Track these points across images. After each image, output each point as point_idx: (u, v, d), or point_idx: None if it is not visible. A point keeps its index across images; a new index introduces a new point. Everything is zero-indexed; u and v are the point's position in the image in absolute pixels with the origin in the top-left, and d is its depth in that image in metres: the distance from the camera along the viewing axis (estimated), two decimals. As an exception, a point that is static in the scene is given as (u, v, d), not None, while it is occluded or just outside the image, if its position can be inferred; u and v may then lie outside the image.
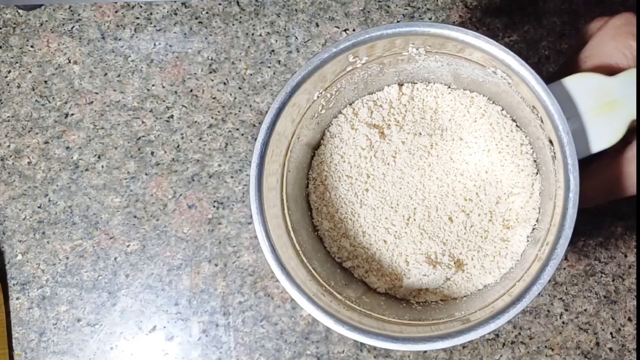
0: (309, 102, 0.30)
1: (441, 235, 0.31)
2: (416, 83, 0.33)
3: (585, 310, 0.38)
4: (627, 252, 0.38)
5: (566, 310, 0.38)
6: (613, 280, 0.38)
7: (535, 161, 0.31)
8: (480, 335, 0.26)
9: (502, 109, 0.32)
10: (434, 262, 0.31)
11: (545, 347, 0.37)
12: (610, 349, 0.37)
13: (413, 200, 0.32)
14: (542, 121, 0.27)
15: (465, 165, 0.32)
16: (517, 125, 0.32)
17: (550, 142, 0.27)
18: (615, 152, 0.28)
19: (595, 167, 0.29)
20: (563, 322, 0.38)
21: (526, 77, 0.27)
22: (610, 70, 0.28)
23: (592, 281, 0.38)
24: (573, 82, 0.28)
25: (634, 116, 0.27)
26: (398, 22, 0.40)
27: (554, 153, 0.27)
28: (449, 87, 0.33)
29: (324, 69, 0.28)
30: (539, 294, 0.26)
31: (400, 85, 0.33)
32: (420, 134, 0.32)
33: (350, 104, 0.33)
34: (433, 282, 0.31)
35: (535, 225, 0.31)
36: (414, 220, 0.32)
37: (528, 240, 0.31)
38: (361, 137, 0.32)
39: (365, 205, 0.32)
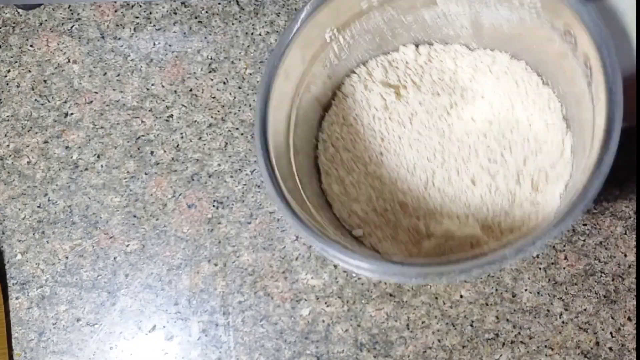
0: (320, 41, 0.29)
1: (464, 199, 0.30)
2: (433, 44, 0.32)
3: (585, 309, 0.38)
4: (627, 251, 0.38)
5: (566, 309, 0.38)
6: (613, 280, 0.38)
7: (564, 118, 0.30)
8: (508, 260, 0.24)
9: (527, 65, 0.30)
10: (456, 226, 0.30)
11: (545, 346, 0.37)
12: (610, 348, 0.37)
13: (431, 163, 0.30)
14: (575, 44, 0.25)
15: (488, 124, 0.31)
16: (543, 82, 0.30)
17: (586, 65, 0.25)
18: None
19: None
20: (563, 322, 0.38)
21: None
22: None
23: (591, 281, 0.38)
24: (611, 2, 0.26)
25: None
26: None
27: (590, 78, 0.25)
28: (469, 47, 0.31)
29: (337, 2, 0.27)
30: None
31: (417, 45, 0.32)
32: (439, 94, 0.31)
33: (364, 64, 0.32)
34: (455, 247, 0.30)
35: (568, 184, 0.29)
36: (433, 184, 0.30)
37: (560, 201, 0.29)
38: (375, 97, 0.31)
39: (380, 169, 0.31)
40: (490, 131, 0.30)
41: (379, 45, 0.31)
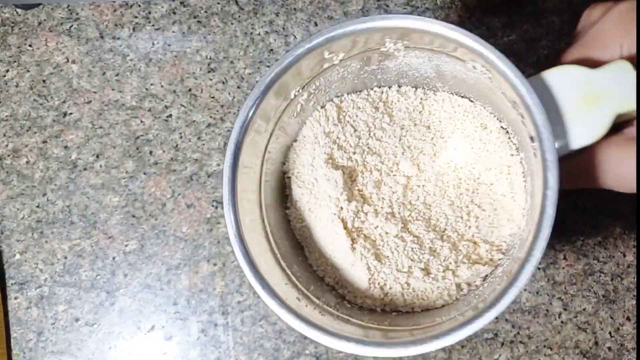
0: (286, 100, 0.29)
1: (415, 246, 0.30)
2: (400, 86, 0.32)
3: (584, 309, 0.38)
4: (626, 251, 0.38)
5: (565, 309, 0.38)
6: (612, 280, 0.38)
7: (521, 161, 0.30)
8: (451, 342, 0.25)
9: (489, 110, 0.31)
10: (407, 272, 0.30)
11: (544, 346, 0.37)
12: (609, 348, 0.37)
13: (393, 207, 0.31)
14: (522, 117, 0.26)
15: (452, 173, 0.31)
16: (503, 127, 0.31)
17: (532, 139, 0.26)
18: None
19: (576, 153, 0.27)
20: (562, 322, 0.38)
21: (504, 70, 0.25)
22: (602, 61, 0.26)
23: (590, 280, 0.38)
24: (555, 75, 0.26)
25: (620, 110, 0.26)
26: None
27: (535, 150, 0.26)
28: (434, 92, 0.32)
29: (299, 65, 0.27)
30: (519, 297, 0.25)
31: (382, 86, 0.32)
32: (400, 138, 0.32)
33: (323, 107, 0.32)
34: (404, 292, 0.30)
35: (519, 229, 0.30)
36: (401, 225, 0.31)
37: (513, 243, 0.30)
38: (327, 142, 0.31)
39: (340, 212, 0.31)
40: (452, 176, 0.31)
41: (345, 86, 0.32)
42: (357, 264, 0.30)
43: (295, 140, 0.32)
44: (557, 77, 0.26)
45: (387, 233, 0.30)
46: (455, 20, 0.40)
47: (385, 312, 0.30)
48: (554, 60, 0.39)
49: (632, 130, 0.27)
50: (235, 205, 0.27)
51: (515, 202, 0.30)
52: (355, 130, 0.32)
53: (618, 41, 0.26)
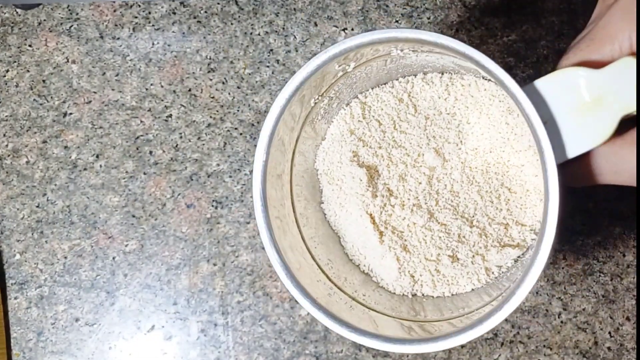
0: (306, 109, 0.30)
1: (443, 235, 0.31)
2: (426, 74, 0.32)
3: (583, 309, 0.38)
4: (626, 251, 0.38)
5: (564, 309, 0.38)
6: (611, 280, 0.38)
7: None
8: (448, 346, 0.26)
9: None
10: (436, 260, 0.31)
11: (544, 346, 0.37)
12: (609, 348, 0.37)
13: (420, 195, 0.32)
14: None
15: (480, 158, 0.31)
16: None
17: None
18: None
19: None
20: (561, 322, 0.38)
21: (503, 81, 0.25)
22: (610, 57, 0.25)
23: (590, 280, 0.38)
24: (555, 80, 0.25)
25: (625, 111, 0.25)
26: (397, 22, 0.40)
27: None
28: (461, 76, 0.32)
29: (311, 79, 0.28)
30: (528, 299, 0.25)
31: (407, 76, 0.32)
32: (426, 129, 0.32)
33: (355, 98, 0.33)
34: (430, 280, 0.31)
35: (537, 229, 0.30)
36: (424, 213, 0.31)
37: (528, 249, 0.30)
38: (352, 140, 0.32)
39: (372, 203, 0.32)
40: (477, 169, 0.31)
41: (365, 84, 0.32)
42: (386, 255, 0.31)
43: (324, 139, 0.33)
44: (558, 82, 0.25)
45: (414, 224, 0.31)
46: (455, 21, 0.40)
47: (416, 297, 0.31)
48: (555, 60, 0.39)
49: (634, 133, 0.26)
50: (267, 211, 0.28)
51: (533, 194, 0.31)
52: (380, 125, 0.32)
53: (627, 32, 0.25)
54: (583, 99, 0.25)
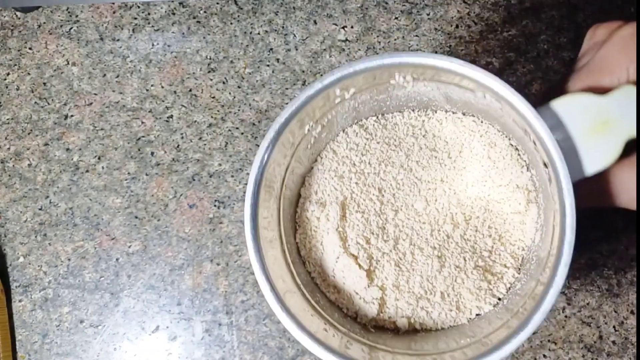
0: (300, 136, 0.30)
1: (427, 266, 0.31)
2: (412, 110, 0.33)
3: (587, 303, 0.38)
4: (629, 245, 0.38)
5: (569, 304, 0.38)
6: (615, 274, 0.38)
7: (532, 178, 0.30)
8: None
9: (497, 128, 0.31)
10: (418, 294, 0.30)
11: (549, 341, 0.37)
12: (614, 342, 0.37)
13: (400, 229, 0.31)
14: (535, 144, 0.27)
15: (462, 193, 0.31)
16: (512, 144, 0.31)
17: (545, 164, 0.27)
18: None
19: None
20: (566, 316, 0.38)
21: (514, 103, 0.26)
22: (610, 87, 0.27)
23: (594, 274, 0.38)
24: (564, 104, 0.27)
25: (630, 135, 0.26)
26: (396, 19, 0.40)
27: (549, 176, 0.26)
28: (445, 111, 0.32)
29: (311, 105, 0.28)
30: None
31: (389, 113, 0.33)
32: (417, 162, 0.32)
33: (343, 131, 0.33)
34: (415, 313, 0.31)
35: (532, 243, 0.30)
36: (398, 249, 0.31)
37: (519, 271, 0.30)
38: (333, 178, 0.32)
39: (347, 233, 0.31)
40: (463, 199, 0.31)
41: (356, 116, 0.32)
42: (368, 295, 0.31)
43: (311, 170, 0.33)
44: (567, 106, 0.27)
45: (397, 266, 0.31)
46: (454, 17, 0.39)
47: (409, 333, 0.31)
48: (555, 54, 0.39)
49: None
50: (258, 240, 0.28)
51: (528, 217, 0.31)
52: (360, 163, 0.32)
53: (624, 65, 0.27)
54: (591, 122, 0.27)
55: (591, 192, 0.28)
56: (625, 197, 0.27)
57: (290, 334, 0.27)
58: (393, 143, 0.32)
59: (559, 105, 0.27)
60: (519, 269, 0.31)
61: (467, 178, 0.31)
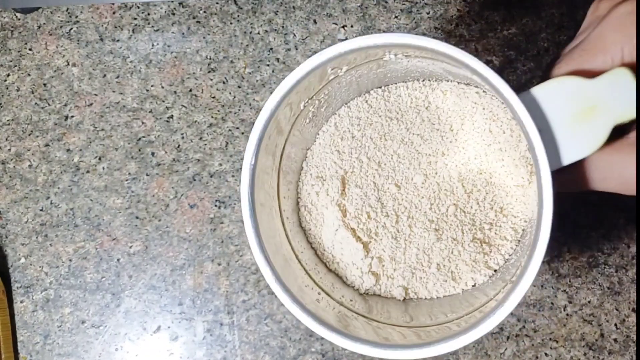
0: (295, 113, 0.30)
1: (423, 239, 0.31)
2: (416, 80, 0.33)
3: (589, 302, 0.38)
4: (630, 243, 0.38)
5: (570, 302, 0.38)
6: (616, 272, 0.38)
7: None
8: (462, 344, 0.26)
9: (499, 101, 0.31)
10: (414, 266, 0.31)
11: (550, 339, 0.37)
12: (615, 340, 0.37)
13: (400, 202, 0.32)
14: (521, 129, 0.26)
15: (463, 167, 0.32)
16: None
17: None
18: None
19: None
20: (567, 314, 0.38)
21: (498, 89, 0.25)
22: (602, 69, 0.26)
23: (595, 273, 0.38)
24: (546, 90, 0.26)
25: (618, 120, 0.25)
26: (396, 18, 0.40)
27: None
28: (449, 81, 0.32)
29: (302, 84, 0.28)
30: (530, 293, 0.25)
31: (390, 85, 0.33)
32: (418, 134, 0.32)
33: (346, 104, 0.33)
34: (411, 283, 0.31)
35: (533, 214, 0.30)
36: (399, 222, 0.31)
37: (519, 243, 0.30)
38: (334, 153, 0.32)
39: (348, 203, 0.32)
40: (461, 172, 0.31)
41: (356, 88, 0.32)
42: (365, 266, 0.31)
43: (313, 144, 0.33)
44: (549, 92, 0.26)
45: (394, 238, 0.31)
46: (454, 15, 0.39)
47: (405, 302, 0.31)
48: (555, 52, 0.39)
49: (634, 135, 0.26)
50: (255, 216, 0.28)
51: (531, 190, 0.30)
52: (362, 138, 0.32)
53: (619, 45, 0.25)
54: (577, 107, 0.25)
55: (580, 176, 0.27)
56: (614, 182, 0.26)
57: (283, 304, 0.27)
58: (395, 116, 0.32)
59: (540, 91, 0.26)
60: (519, 241, 0.31)
61: (469, 151, 0.31)
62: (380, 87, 0.33)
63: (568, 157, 0.26)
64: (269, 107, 0.28)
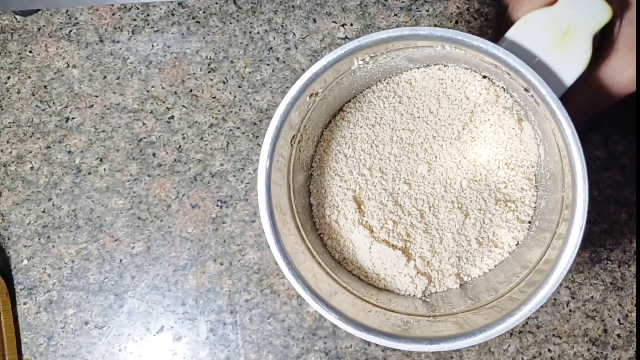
0: (313, 100, 0.30)
1: (452, 221, 0.31)
2: (375, 84, 0.33)
3: (592, 297, 0.37)
4: (632, 238, 0.38)
5: (573, 298, 0.38)
6: (619, 267, 0.38)
7: (520, 105, 0.31)
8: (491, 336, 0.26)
9: (469, 69, 0.32)
10: (455, 250, 0.31)
11: (553, 335, 0.37)
12: (618, 335, 0.37)
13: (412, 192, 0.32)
14: (509, 74, 0.27)
15: (456, 141, 0.32)
16: (486, 77, 0.32)
17: (526, 90, 0.27)
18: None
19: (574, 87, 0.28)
20: (570, 310, 0.38)
21: (479, 46, 0.26)
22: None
23: (598, 268, 0.38)
24: (523, 28, 0.27)
25: (594, 29, 0.27)
26: (396, 16, 0.40)
27: (535, 98, 0.27)
28: (405, 72, 0.33)
29: (327, 73, 0.28)
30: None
31: (404, 72, 0.33)
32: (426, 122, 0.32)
33: (325, 128, 0.33)
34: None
35: (538, 158, 0.31)
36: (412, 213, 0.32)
37: (537, 189, 0.31)
38: (347, 143, 0.33)
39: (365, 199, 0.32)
40: (471, 164, 0.32)
41: (333, 109, 0.33)
42: (412, 270, 0.31)
43: (311, 178, 0.34)
44: (526, 28, 0.27)
45: (426, 232, 0.32)
46: (454, 12, 0.39)
47: (462, 287, 0.32)
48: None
49: (617, 41, 0.28)
50: (296, 270, 0.28)
51: (525, 135, 0.31)
52: (353, 153, 0.33)
53: None
54: (554, 34, 0.27)
55: (585, 100, 0.28)
56: (611, 89, 0.28)
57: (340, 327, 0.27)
58: (375, 122, 0.33)
59: (514, 33, 0.27)
60: (537, 187, 0.31)
61: (455, 125, 0.32)
62: (350, 100, 0.33)
63: (568, 78, 0.27)
64: (289, 97, 0.28)
